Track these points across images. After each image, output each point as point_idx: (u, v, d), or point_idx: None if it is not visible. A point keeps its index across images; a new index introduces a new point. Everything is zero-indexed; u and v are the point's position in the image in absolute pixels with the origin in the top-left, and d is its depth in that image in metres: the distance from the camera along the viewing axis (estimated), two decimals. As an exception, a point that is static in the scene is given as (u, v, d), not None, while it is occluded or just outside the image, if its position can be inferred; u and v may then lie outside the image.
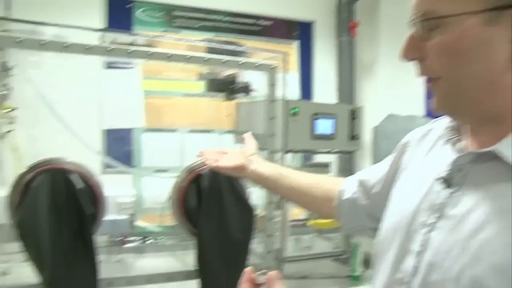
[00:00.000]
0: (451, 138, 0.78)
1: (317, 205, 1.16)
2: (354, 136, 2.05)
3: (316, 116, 1.97)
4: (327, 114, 2.00)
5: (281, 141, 1.81)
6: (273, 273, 0.76)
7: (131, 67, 2.35)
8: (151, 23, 2.54)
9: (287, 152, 1.87)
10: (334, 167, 2.47)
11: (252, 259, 1.75)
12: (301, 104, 1.96)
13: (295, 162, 2.25)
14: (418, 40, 0.69)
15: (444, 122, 0.83)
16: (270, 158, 1.75)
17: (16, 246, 1.50)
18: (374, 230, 0.96)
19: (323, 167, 2.17)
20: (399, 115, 2.61)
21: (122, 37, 1.73)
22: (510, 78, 0.67)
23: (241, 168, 1.28)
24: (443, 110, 0.72)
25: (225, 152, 1.41)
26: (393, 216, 0.84)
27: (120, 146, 2.37)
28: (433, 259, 0.69)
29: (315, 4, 2.94)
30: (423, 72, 0.71)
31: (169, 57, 1.62)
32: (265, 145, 1.76)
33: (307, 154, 2.33)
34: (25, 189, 1.49)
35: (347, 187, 1.06)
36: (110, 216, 1.73)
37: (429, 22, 0.67)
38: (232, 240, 1.62)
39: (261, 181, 1.26)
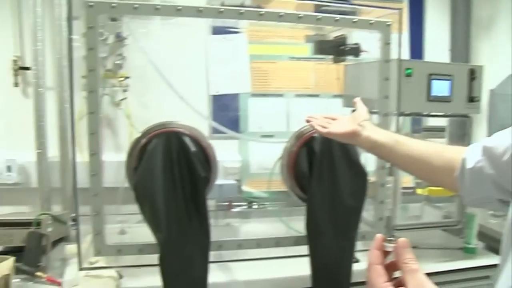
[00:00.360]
0: None
1: (436, 174, 1.09)
2: (473, 98, 1.90)
3: (431, 76, 1.84)
4: (444, 75, 1.87)
5: (395, 103, 1.72)
6: (402, 240, 0.72)
7: (237, 32, 2.34)
8: (257, -16, 2.51)
9: (400, 115, 1.77)
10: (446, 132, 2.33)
11: (361, 226, 1.71)
12: (416, 64, 1.84)
13: (405, 126, 2.14)
14: None
15: None
16: (383, 122, 1.67)
17: (132, 207, 1.57)
18: (501, 202, 0.90)
19: (438, 131, 2.05)
20: (521, 76, 2.39)
21: (230, 0, 1.72)
22: None
23: (354, 135, 1.27)
24: None
25: (334, 118, 1.38)
26: None
27: (226, 112, 2.39)
28: None
29: (428, -42, 2.75)
30: None
31: (280, 17, 1.59)
32: (373, 109, 1.69)
33: (417, 117, 2.21)
34: (140, 152, 1.54)
35: (470, 156, 0.99)
36: (218, 180, 1.75)
37: None
38: (344, 205, 1.58)
39: (375, 148, 1.22)
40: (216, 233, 1.57)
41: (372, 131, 1.24)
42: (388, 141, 1.18)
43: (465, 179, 0.99)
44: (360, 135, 1.25)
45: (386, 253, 0.73)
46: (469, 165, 0.98)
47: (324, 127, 1.37)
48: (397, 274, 0.72)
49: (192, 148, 1.53)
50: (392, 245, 0.71)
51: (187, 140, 1.54)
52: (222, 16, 1.55)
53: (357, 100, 1.40)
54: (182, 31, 2.20)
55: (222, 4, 1.67)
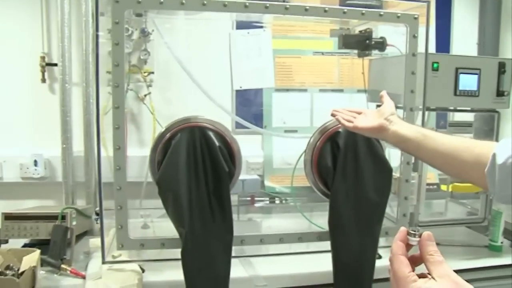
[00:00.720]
0: None
1: (465, 170, 1.07)
2: (502, 93, 1.86)
3: (459, 70, 1.81)
4: (472, 69, 1.83)
5: (422, 98, 1.69)
6: (426, 233, 0.71)
7: (262, 27, 2.33)
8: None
9: (426, 110, 1.74)
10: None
11: (384, 222, 1.69)
12: (443, 58, 1.81)
13: (430, 121, 2.11)
14: None
15: None
16: (409, 116, 1.65)
17: (155, 202, 1.58)
18: None
19: (465, 127, 2.01)
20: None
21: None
22: None
23: (381, 129, 1.26)
24: None
25: (359, 112, 1.36)
26: None
27: (250, 107, 2.39)
28: None
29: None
30: None
31: (306, 11, 1.58)
32: (399, 104, 1.66)
33: (443, 112, 2.17)
34: (165, 147, 1.55)
35: (501, 151, 0.97)
36: (241, 175, 1.75)
37: None
38: (367, 201, 1.56)
39: (403, 143, 1.21)
40: (238, 228, 1.57)
41: (399, 126, 1.24)
42: (415, 135, 1.17)
43: (496, 174, 0.97)
44: (387, 129, 1.25)
45: (409, 247, 0.73)
46: (500, 160, 0.96)
47: (350, 121, 1.36)
48: (417, 270, 0.71)
49: (217, 142, 1.53)
50: (416, 239, 0.71)
51: (212, 134, 1.54)
52: (247, 10, 1.54)
53: (384, 93, 1.39)
54: (206, 26, 2.21)
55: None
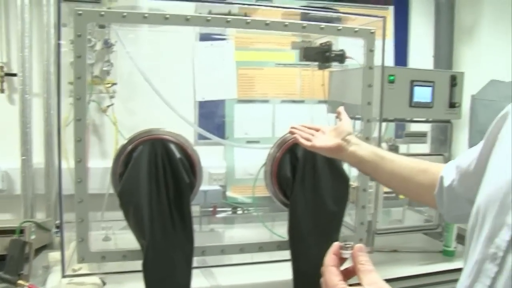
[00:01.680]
0: None
1: (419, 192, 1.11)
2: (453, 104, 1.94)
3: (414, 83, 1.87)
4: (426, 81, 1.90)
5: (378, 109, 1.75)
6: (358, 246, 0.75)
7: (224, 39, 2.36)
8: (245, -9, 2.53)
9: (383, 121, 1.80)
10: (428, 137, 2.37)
11: (342, 231, 1.73)
12: (399, 71, 1.88)
13: (388, 131, 2.17)
14: None
15: None
16: (366, 128, 1.70)
17: (117, 214, 1.58)
18: None
19: (421, 136, 2.08)
20: (502, 81, 2.43)
21: (217, 8, 1.74)
22: None
23: (338, 149, 1.26)
24: None
25: (317, 129, 1.37)
26: (488, 188, 0.78)
27: (212, 118, 2.41)
28: None
29: (412, -35, 2.79)
30: None
31: (266, 25, 1.61)
32: (357, 115, 1.72)
33: (401, 123, 2.24)
34: (126, 159, 1.55)
35: (446, 174, 1.01)
36: (203, 186, 1.77)
37: None
38: (326, 210, 1.60)
39: (360, 164, 1.23)
40: (200, 239, 1.58)
41: (357, 147, 1.24)
42: (373, 157, 1.19)
43: (443, 197, 1.01)
44: (345, 150, 1.25)
45: (342, 260, 0.77)
46: (446, 183, 1.00)
47: (309, 140, 1.36)
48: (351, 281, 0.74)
49: (177, 154, 1.55)
50: (349, 251, 0.75)
51: (173, 146, 1.56)
52: (209, 24, 1.56)
53: (341, 110, 1.39)
54: (169, 37, 2.22)
55: (210, 13, 1.69)
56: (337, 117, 1.39)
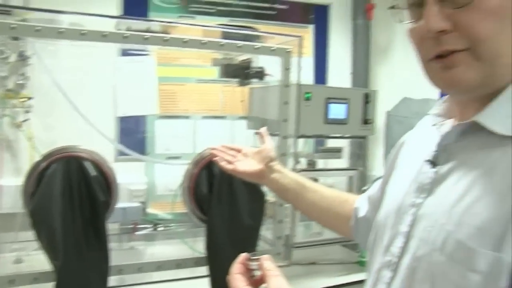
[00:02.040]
0: (436, 124, 0.81)
1: (338, 223, 1.13)
2: (367, 121, 2.03)
3: (329, 100, 1.95)
4: (340, 99, 1.98)
5: (294, 126, 1.80)
6: (265, 256, 0.78)
7: (146, 54, 2.35)
8: (167, 8, 2.53)
9: (299, 137, 1.85)
10: (346, 152, 2.46)
11: (261, 245, 1.76)
12: (314, 89, 1.95)
13: (307, 147, 2.24)
14: (449, 8, 0.66)
15: (432, 111, 0.84)
16: (283, 144, 1.74)
17: (29, 234, 1.52)
18: None
19: (335, 152, 2.15)
20: (413, 98, 2.57)
21: (137, 24, 1.73)
22: None
23: (260, 175, 1.23)
24: (465, 85, 0.69)
25: (239, 150, 1.33)
26: (387, 203, 0.85)
27: (134, 133, 2.38)
28: (420, 234, 0.71)
29: (331, -13, 2.90)
30: (448, 45, 0.67)
31: (185, 43, 1.63)
32: (277, 131, 1.76)
33: (320, 139, 2.32)
34: (39, 177, 1.51)
35: (360, 205, 1.05)
36: (122, 203, 1.74)
37: None
38: (242, 226, 1.63)
39: (282, 192, 1.22)
40: (119, 257, 1.56)
41: (280, 174, 1.21)
42: (295, 186, 1.18)
43: (359, 227, 1.04)
44: (267, 177, 1.22)
45: (250, 271, 0.79)
46: (361, 214, 1.04)
47: (230, 162, 1.30)
48: None
49: (92, 172, 1.52)
50: (256, 263, 0.77)
51: (87, 164, 1.53)
52: (127, 41, 1.56)
53: (263, 132, 1.33)
54: (90, 51, 2.18)
55: (129, 29, 1.68)
56: (259, 138, 1.35)
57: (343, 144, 2.37)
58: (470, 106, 0.72)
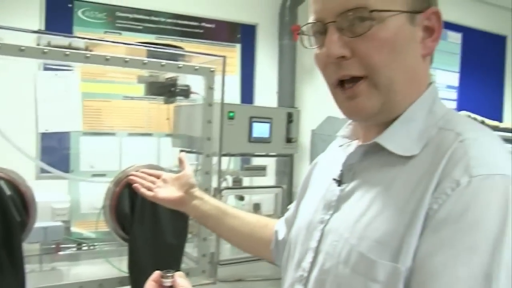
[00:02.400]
0: (343, 145, 0.88)
1: (260, 248, 1.15)
2: (290, 139, 2.09)
3: (252, 119, 1.99)
4: (264, 118, 2.02)
5: (218, 144, 1.82)
6: (178, 273, 0.81)
7: (70, 69, 2.31)
8: (93, 23, 2.51)
9: (223, 155, 1.88)
10: (271, 170, 2.50)
11: (186, 263, 1.76)
12: (238, 108, 1.98)
13: (232, 165, 2.27)
14: (347, 36, 0.72)
15: (340, 133, 0.90)
16: (206, 162, 1.76)
17: None
18: None
19: (260, 170, 2.20)
20: (337, 117, 2.66)
21: (60, 39, 1.70)
22: (421, 73, 0.77)
23: (181, 203, 1.22)
24: (366, 113, 0.75)
25: (159, 175, 1.30)
26: (298, 221, 0.89)
27: (57, 150, 2.32)
28: (327, 249, 0.77)
29: (258, 7, 2.97)
30: (348, 70, 0.73)
31: (107, 60, 1.61)
32: (202, 149, 1.78)
33: (245, 157, 2.35)
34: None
35: (279, 228, 1.08)
36: (43, 222, 1.69)
37: (361, 16, 0.71)
38: (166, 245, 1.62)
39: (203, 218, 1.21)
40: (40, 279, 1.51)
41: (201, 201, 1.20)
42: (216, 213, 1.17)
43: (279, 250, 1.06)
44: (188, 204, 1.21)
45: None
46: (280, 237, 1.07)
47: (150, 189, 1.27)
48: None
49: (7, 191, 1.47)
50: (169, 280, 0.78)
51: (2, 183, 1.48)
52: (46, 57, 1.53)
53: (182, 158, 1.30)
54: (9, 64, 2.12)
55: (49, 44, 1.65)
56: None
57: (270, 162, 2.43)
58: (372, 129, 0.78)
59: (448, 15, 3.74)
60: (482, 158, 0.66)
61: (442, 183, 0.65)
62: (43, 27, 2.35)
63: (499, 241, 0.60)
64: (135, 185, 1.29)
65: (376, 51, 0.71)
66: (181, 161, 1.29)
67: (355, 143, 0.87)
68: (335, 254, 0.74)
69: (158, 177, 1.30)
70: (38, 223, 1.81)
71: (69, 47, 1.69)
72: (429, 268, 0.63)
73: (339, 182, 0.81)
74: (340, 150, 0.88)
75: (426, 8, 0.75)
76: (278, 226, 1.10)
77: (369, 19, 0.70)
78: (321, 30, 0.75)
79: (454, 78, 4.07)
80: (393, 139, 0.74)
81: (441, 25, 0.76)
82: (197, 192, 1.22)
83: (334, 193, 0.81)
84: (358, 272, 0.69)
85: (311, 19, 0.77)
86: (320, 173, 0.96)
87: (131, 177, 1.32)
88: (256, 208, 2.49)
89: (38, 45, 1.61)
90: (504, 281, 0.59)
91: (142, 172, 1.33)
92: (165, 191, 1.24)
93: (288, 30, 2.88)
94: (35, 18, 2.36)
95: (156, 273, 0.80)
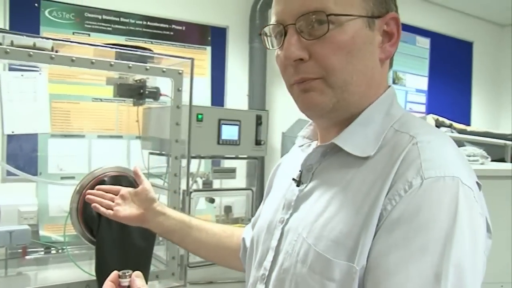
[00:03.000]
0: (303, 145, 0.88)
1: (229, 257, 1.14)
2: (259, 142, 2.10)
3: (221, 122, 1.99)
4: (233, 120, 2.03)
5: (186, 146, 1.82)
6: (136, 273, 0.80)
7: (37, 70, 2.28)
8: (61, 24, 2.48)
9: (193, 157, 1.88)
10: (242, 172, 2.51)
11: (156, 265, 1.75)
12: (206, 110, 1.98)
13: (204, 167, 2.27)
14: (306, 38, 0.74)
15: (301, 133, 0.92)
16: (174, 164, 1.75)
17: None
18: None
19: (230, 172, 2.20)
20: (307, 120, 2.68)
21: (24, 39, 1.68)
22: (379, 77, 0.79)
23: (143, 220, 1.18)
24: (320, 108, 0.77)
25: (117, 191, 1.25)
26: (260, 221, 0.91)
27: (24, 153, 2.29)
28: (286, 248, 0.78)
29: (229, 10, 2.98)
30: (305, 73, 0.75)
31: (73, 61, 1.60)
32: (171, 151, 1.77)
33: (216, 159, 2.36)
34: None
35: (246, 235, 1.08)
36: (8, 226, 1.66)
37: (319, 19, 0.73)
38: (134, 248, 1.61)
39: (167, 234, 1.19)
40: (5, 284, 1.48)
41: (163, 217, 1.16)
42: (180, 226, 1.15)
43: (246, 257, 1.03)
44: (151, 220, 1.17)
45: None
46: (248, 243, 1.04)
47: (109, 208, 1.22)
48: None
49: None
50: (127, 279, 0.78)
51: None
52: (9, 57, 1.51)
53: (138, 172, 1.25)
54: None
55: (11, 44, 1.62)
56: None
57: (241, 164, 2.43)
58: (331, 130, 0.80)
59: (417, 20, 3.86)
60: (434, 160, 0.68)
61: (395, 184, 0.68)
62: (7, 27, 2.31)
63: (449, 241, 0.62)
64: (94, 204, 1.24)
65: (333, 54, 0.73)
66: (136, 175, 1.24)
67: (314, 144, 0.89)
68: (293, 253, 0.76)
69: (116, 193, 1.24)
70: (4, 227, 1.79)
71: (34, 47, 1.67)
72: (383, 267, 0.65)
73: (298, 182, 0.83)
74: (300, 150, 0.90)
75: (385, 13, 0.77)
76: (245, 233, 1.09)
77: (327, 23, 0.72)
78: (281, 32, 0.77)
79: (423, 82, 4.15)
80: (351, 140, 0.76)
81: (399, 30, 0.78)
82: (158, 207, 1.17)
83: (294, 193, 0.83)
84: (315, 271, 0.71)
85: (272, 20, 0.78)
86: (282, 173, 0.98)
87: (88, 196, 1.26)
88: (227, 210, 2.50)
89: (0, 44, 1.59)
90: (453, 280, 0.61)
91: (99, 189, 1.27)
92: (125, 208, 1.19)
93: (259, 32, 2.89)
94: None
95: (114, 273, 0.80)
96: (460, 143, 2.49)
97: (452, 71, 4.36)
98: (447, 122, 2.89)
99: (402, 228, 0.65)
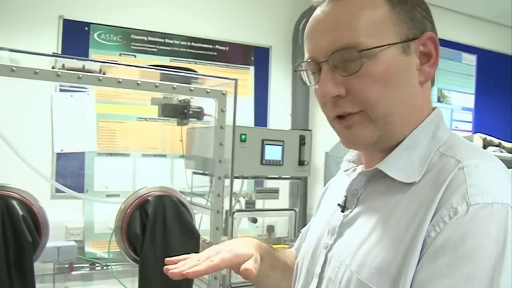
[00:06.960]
0: (348, 169, 0.88)
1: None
2: (302, 162, 2.08)
3: (265, 142, 1.99)
4: (276, 140, 2.03)
5: (230, 166, 1.82)
6: None
7: (85, 91, 2.35)
8: (108, 46, 2.55)
9: (236, 178, 1.88)
10: (285, 192, 2.50)
11: (198, 285, 1.75)
12: (250, 130, 1.98)
13: (246, 187, 2.26)
14: (341, 75, 0.72)
15: (346, 157, 0.90)
16: (218, 184, 1.76)
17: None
18: None
19: (273, 192, 2.19)
20: (351, 140, 2.66)
21: (74, 62, 1.73)
22: (421, 100, 0.76)
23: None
24: (364, 143, 0.76)
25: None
26: (305, 245, 0.89)
27: (72, 170, 2.35)
28: (329, 274, 0.77)
29: (272, 30, 3.00)
30: (345, 108, 0.74)
31: (119, 83, 1.63)
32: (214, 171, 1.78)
33: (259, 179, 2.35)
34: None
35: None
36: (56, 242, 1.70)
37: (351, 56, 0.71)
38: (177, 267, 1.61)
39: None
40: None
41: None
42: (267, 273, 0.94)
43: None
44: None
45: None
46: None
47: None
48: None
49: (20, 212, 1.49)
50: None
51: (15, 203, 1.50)
52: (60, 79, 1.54)
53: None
54: (26, 85, 2.16)
55: (63, 67, 1.67)
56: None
57: (284, 184, 2.42)
58: (375, 154, 0.78)
59: (463, 37, 3.78)
60: (481, 186, 0.65)
61: (440, 210, 0.66)
62: (60, 50, 2.39)
63: (497, 271, 0.60)
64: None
65: (369, 88, 0.72)
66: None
67: (360, 168, 0.87)
68: (336, 280, 0.75)
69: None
70: (52, 243, 1.83)
71: (83, 69, 1.72)
72: None
73: (343, 207, 0.81)
74: (345, 175, 0.89)
75: (420, 34, 0.74)
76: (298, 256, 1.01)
77: (359, 58, 0.71)
78: (315, 69, 0.76)
79: (469, 100, 4.04)
80: (395, 166, 0.74)
81: (438, 49, 0.76)
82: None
83: (338, 218, 0.81)
84: None
85: (306, 57, 0.78)
86: (328, 197, 0.96)
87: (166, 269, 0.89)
88: (270, 230, 2.49)
89: (53, 67, 1.64)
90: None
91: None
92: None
93: (302, 51, 2.89)
94: (53, 40, 2.41)
95: None
96: (510, 164, 2.41)
97: (500, 88, 4.22)
98: (496, 141, 2.79)
99: (447, 256, 0.63)
